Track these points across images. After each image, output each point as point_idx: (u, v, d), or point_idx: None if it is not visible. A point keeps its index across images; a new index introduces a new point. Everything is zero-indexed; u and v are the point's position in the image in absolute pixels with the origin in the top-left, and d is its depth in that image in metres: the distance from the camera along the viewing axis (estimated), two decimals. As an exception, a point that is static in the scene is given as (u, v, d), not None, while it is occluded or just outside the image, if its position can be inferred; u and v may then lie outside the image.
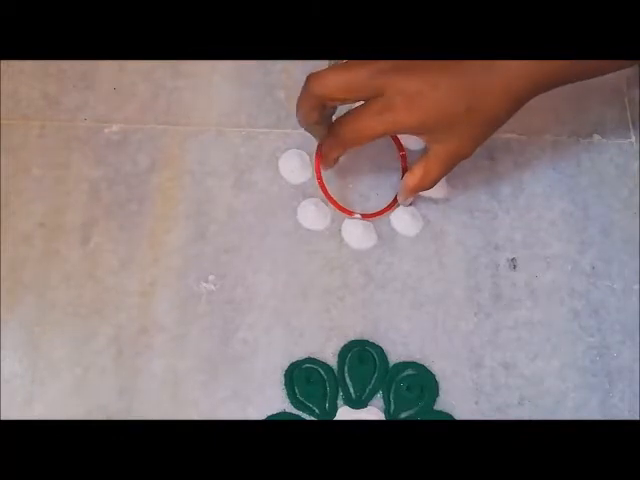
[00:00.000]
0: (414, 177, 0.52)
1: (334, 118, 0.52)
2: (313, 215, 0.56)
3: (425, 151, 0.51)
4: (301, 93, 0.50)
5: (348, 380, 0.52)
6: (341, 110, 0.51)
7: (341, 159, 0.56)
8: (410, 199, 0.55)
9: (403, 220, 0.56)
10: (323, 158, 0.54)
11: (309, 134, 0.53)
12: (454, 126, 0.48)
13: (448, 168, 0.52)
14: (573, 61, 0.47)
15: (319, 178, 0.55)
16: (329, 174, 0.57)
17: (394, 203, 0.56)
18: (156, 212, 0.56)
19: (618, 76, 0.61)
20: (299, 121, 0.52)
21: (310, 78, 0.49)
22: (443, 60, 0.47)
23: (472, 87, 0.47)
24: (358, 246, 0.56)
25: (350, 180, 0.57)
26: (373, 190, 0.57)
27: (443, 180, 0.55)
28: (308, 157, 0.58)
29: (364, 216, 0.56)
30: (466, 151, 0.50)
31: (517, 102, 0.48)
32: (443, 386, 0.52)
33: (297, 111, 0.51)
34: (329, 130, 0.51)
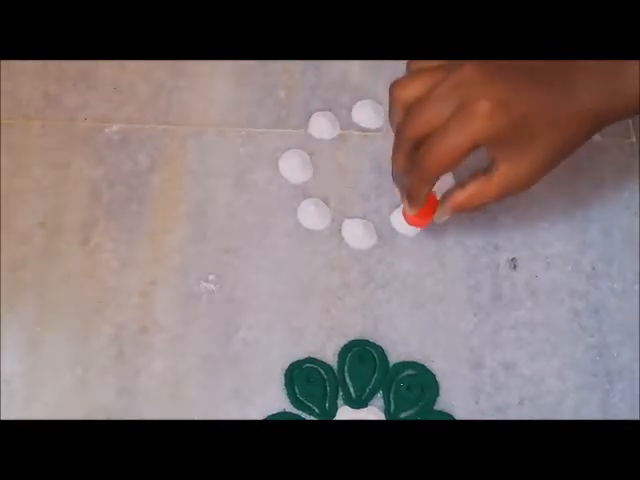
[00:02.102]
0: (466, 194, 0.48)
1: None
2: (313, 215, 0.56)
3: (487, 170, 0.47)
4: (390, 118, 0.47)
5: (348, 380, 0.52)
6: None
7: (341, 159, 0.57)
8: (446, 217, 0.51)
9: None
10: (412, 201, 0.49)
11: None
12: (532, 142, 0.45)
13: (505, 195, 0.47)
14: None
15: (419, 225, 0.53)
16: (329, 174, 0.57)
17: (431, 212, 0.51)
18: (156, 212, 0.56)
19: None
20: (395, 175, 0.48)
21: (393, 85, 0.46)
22: (529, 68, 0.45)
23: (556, 102, 0.45)
24: (358, 246, 0.56)
25: (350, 180, 0.57)
26: (373, 190, 0.57)
27: None
28: (308, 157, 0.58)
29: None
30: (532, 179, 0.47)
31: (594, 127, 0.47)
32: (443, 386, 0.52)
33: (394, 154, 0.47)
34: (411, 166, 0.47)
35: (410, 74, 0.47)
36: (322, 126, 0.59)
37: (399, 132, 0.47)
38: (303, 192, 0.57)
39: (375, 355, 0.52)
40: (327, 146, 0.59)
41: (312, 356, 0.52)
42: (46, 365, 0.52)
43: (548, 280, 0.55)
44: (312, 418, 0.51)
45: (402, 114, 0.47)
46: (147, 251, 0.55)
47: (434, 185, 0.48)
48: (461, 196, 0.48)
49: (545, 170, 0.47)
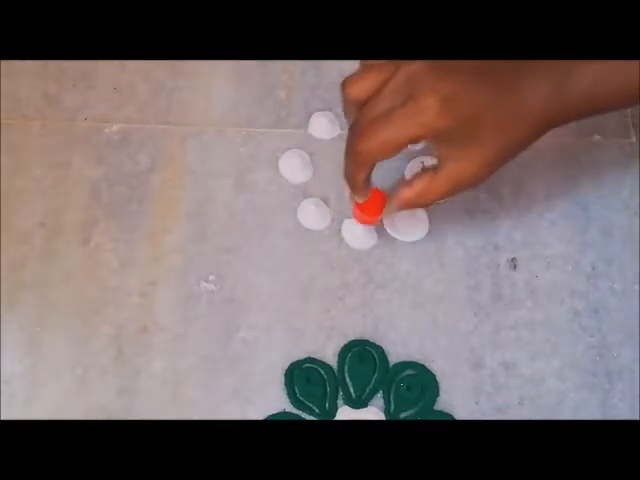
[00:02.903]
0: (412, 190, 0.48)
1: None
2: (313, 215, 0.56)
3: (434, 167, 0.48)
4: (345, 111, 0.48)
5: (348, 380, 0.52)
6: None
7: (341, 159, 0.56)
8: (395, 212, 0.51)
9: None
10: (351, 187, 0.49)
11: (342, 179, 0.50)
12: (477, 141, 0.46)
13: (452, 192, 0.48)
14: (592, 94, 0.46)
15: (369, 221, 0.53)
16: (329, 174, 0.57)
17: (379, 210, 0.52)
18: (156, 212, 0.56)
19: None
20: (347, 173, 0.48)
21: (344, 82, 0.47)
22: (477, 67, 0.45)
23: (504, 102, 0.45)
24: (358, 246, 0.56)
25: (350, 180, 0.57)
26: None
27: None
28: (308, 157, 0.58)
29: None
30: (478, 177, 0.47)
31: (539, 130, 0.47)
32: (443, 386, 0.52)
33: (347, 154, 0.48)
34: (347, 150, 0.47)
35: (360, 71, 0.47)
36: (322, 126, 0.59)
37: (351, 130, 0.47)
38: (303, 192, 0.57)
39: (375, 355, 0.52)
40: (327, 146, 0.59)
41: (312, 356, 0.52)
42: (46, 365, 0.52)
43: (548, 280, 0.55)
44: (312, 418, 0.51)
45: (354, 112, 0.47)
46: (147, 251, 0.55)
47: (369, 172, 0.48)
48: (407, 193, 0.48)
49: (491, 169, 0.47)
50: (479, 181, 0.48)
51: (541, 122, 0.47)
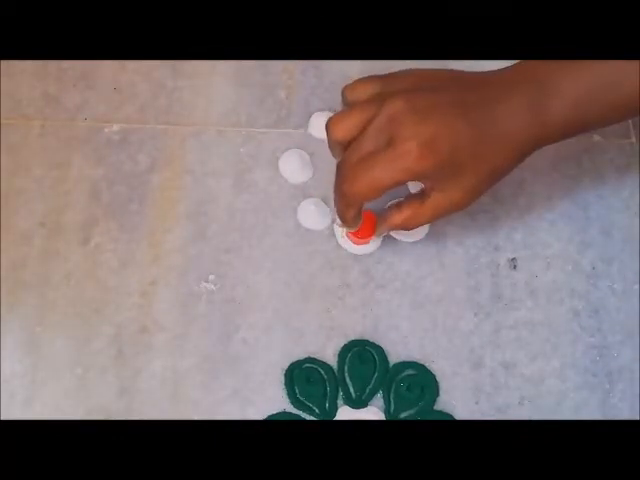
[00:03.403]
0: (401, 216, 0.50)
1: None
2: (313, 215, 0.56)
3: (421, 194, 0.50)
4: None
5: (348, 380, 0.52)
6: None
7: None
8: (385, 233, 0.54)
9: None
10: (343, 222, 0.51)
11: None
12: (460, 174, 0.47)
13: (438, 217, 0.50)
14: (574, 117, 0.47)
15: (362, 242, 0.55)
16: (329, 174, 0.57)
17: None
18: (156, 212, 0.56)
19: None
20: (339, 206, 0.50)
21: (328, 122, 0.49)
22: (454, 104, 0.46)
23: (481, 137, 0.47)
24: (355, 251, 0.56)
25: (350, 180, 0.57)
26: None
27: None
28: (308, 157, 0.58)
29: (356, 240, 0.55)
30: (464, 203, 0.49)
31: (521, 155, 0.48)
32: (443, 386, 0.52)
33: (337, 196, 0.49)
34: (335, 190, 0.49)
35: (343, 111, 0.49)
36: (322, 126, 0.59)
37: (337, 170, 0.49)
38: (303, 192, 0.57)
39: (375, 355, 0.52)
40: (327, 146, 0.58)
41: (312, 356, 0.52)
42: (46, 365, 0.52)
43: (548, 280, 0.55)
44: (312, 418, 0.51)
45: (340, 151, 0.49)
46: (147, 251, 0.55)
47: (359, 210, 0.50)
48: (397, 218, 0.51)
49: (475, 196, 0.49)
50: (464, 207, 0.50)
51: (522, 148, 0.48)
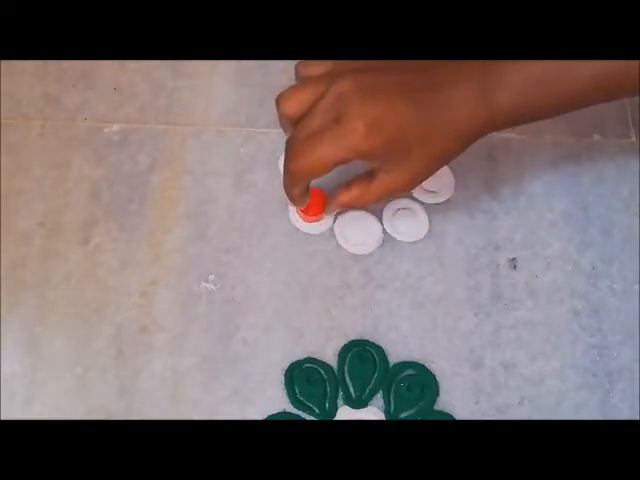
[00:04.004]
0: (349, 195, 0.52)
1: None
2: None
3: (369, 175, 0.51)
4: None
5: (348, 380, 0.52)
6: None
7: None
8: (334, 212, 0.55)
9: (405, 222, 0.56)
10: (290, 199, 0.52)
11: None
12: (406, 156, 0.48)
13: (385, 197, 0.52)
14: (522, 104, 0.48)
15: (312, 220, 0.56)
16: (329, 174, 0.57)
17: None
18: (156, 212, 0.56)
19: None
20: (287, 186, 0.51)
21: (278, 98, 0.49)
22: (402, 86, 0.47)
23: (427, 120, 0.47)
24: (355, 251, 0.56)
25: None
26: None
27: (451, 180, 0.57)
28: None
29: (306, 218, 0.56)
30: (409, 185, 0.51)
31: (468, 140, 0.49)
32: (443, 386, 0.52)
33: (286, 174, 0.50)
34: (283, 165, 0.50)
35: (294, 87, 0.50)
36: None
37: (286, 146, 0.49)
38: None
39: (375, 355, 0.52)
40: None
41: (312, 356, 0.52)
42: (46, 365, 0.52)
43: (548, 280, 0.55)
44: (312, 418, 0.51)
45: (289, 127, 0.50)
46: (147, 251, 0.55)
47: (305, 187, 0.51)
48: (345, 197, 0.52)
49: (421, 178, 0.51)
50: (410, 188, 0.52)
51: (469, 133, 0.49)
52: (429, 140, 0.48)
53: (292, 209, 0.56)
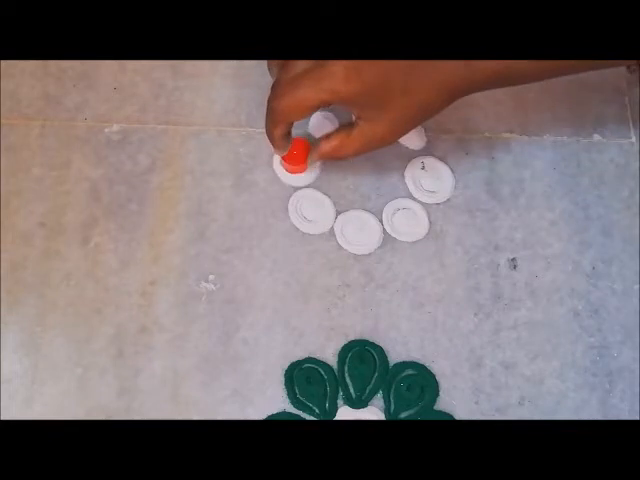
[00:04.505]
0: (329, 145, 0.53)
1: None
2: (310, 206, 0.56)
3: (350, 124, 0.51)
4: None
5: (348, 380, 0.52)
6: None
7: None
8: (317, 161, 0.56)
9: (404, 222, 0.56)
10: (271, 142, 0.53)
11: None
12: (387, 105, 0.49)
13: (365, 149, 0.52)
14: (510, 63, 0.47)
15: (295, 170, 0.56)
16: (330, 175, 0.57)
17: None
18: (156, 212, 0.56)
19: (618, 76, 0.61)
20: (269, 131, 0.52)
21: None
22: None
23: (410, 71, 0.48)
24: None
25: (351, 180, 0.57)
26: (374, 190, 0.57)
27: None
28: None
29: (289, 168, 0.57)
30: (390, 137, 0.51)
31: (450, 96, 0.49)
32: (443, 386, 0.52)
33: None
34: (267, 107, 0.51)
35: None
36: (322, 126, 0.59)
37: (271, 89, 0.51)
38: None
39: (375, 355, 0.52)
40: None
41: (312, 356, 0.52)
42: (46, 365, 0.52)
43: (548, 280, 0.55)
44: (312, 418, 0.51)
45: (276, 72, 0.51)
46: (147, 251, 0.55)
47: (285, 129, 0.52)
48: (326, 146, 0.53)
49: (401, 131, 0.51)
50: (388, 142, 0.52)
51: (452, 88, 0.49)
52: (412, 90, 0.48)
53: (276, 161, 0.57)
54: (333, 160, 0.55)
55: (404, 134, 0.52)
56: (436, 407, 0.51)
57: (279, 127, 0.52)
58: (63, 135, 0.58)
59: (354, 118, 0.51)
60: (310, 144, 0.55)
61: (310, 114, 0.50)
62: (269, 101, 0.51)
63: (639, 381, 0.52)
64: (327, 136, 0.53)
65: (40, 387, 0.51)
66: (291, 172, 0.57)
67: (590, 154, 0.59)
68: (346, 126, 0.52)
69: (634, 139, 0.60)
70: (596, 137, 0.60)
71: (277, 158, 0.57)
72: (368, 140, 0.51)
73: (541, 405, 0.52)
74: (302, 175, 0.57)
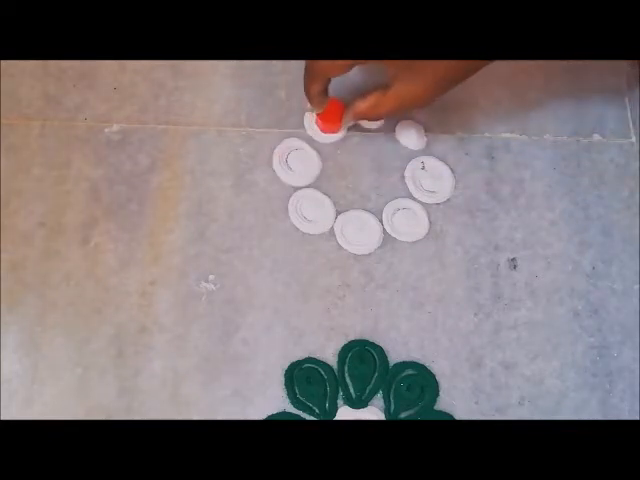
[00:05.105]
0: (365, 104, 0.54)
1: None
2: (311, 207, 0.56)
3: (385, 85, 0.52)
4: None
5: (348, 380, 0.52)
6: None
7: (341, 159, 0.57)
8: (350, 122, 0.57)
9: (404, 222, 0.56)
10: (308, 98, 0.55)
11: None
12: (421, 66, 0.49)
13: (399, 109, 0.53)
14: None
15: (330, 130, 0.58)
16: (330, 175, 0.57)
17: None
18: (156, 212, 0.56)
19: (618, 76, 0.61)
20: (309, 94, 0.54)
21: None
22: None
23: None
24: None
25: (350, 180, 0.57)
26: (373, 190, 0.57)
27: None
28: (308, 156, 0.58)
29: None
30: (424, 97, 0.51)
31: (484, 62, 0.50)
32: (443, 386, 0.52)
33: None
34: (305, 65, 0.52)
35: None
36: (315, 125, 0.59)
37: None
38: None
39: (375, 355, 0.52)
40: (327, 146, 0.59)
41: (312, 356, 0.52)
42: (46, 365, 0.52)
43: (548, 280, 0.55)
44: (312, 418, 0.51)
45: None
46: (147, 251, 0.55)
47: (322, 86, 0.53)
48: (362, 105, 0.54)
49: (435, 92, 0.52)
50: (423, 102, 0.52)
51: None
52: None
53: (310, 119, 0.58)
54: (367, 120, 0.56)
55: (435, 97, 0.52)
56: (436, 407, 0.51)
57: (317, 83, 0.53)
58: (63, 135, 0.58)
59: (389, 78, 0.52)
60: (345, 105, 0.56)
61: (347, 70, 0.51)
62: (307, 61, 0.52)
63: (639, 381, 0.52)
64: (362, 95, 0.54)
65: (40, 387, 0.51)
66: (325, 131, 0.58)
67: (590, 154, 0.59)
68: (381, 86, 0.53)
69: (634, 139, 0.60)
70: (596, 137, 0.60)
71: (309, 117, 0.58)
72: (402, 100, 0.52)
73: (541, 405, 0.52)
74: (335, 135, 0.58)
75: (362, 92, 0.54)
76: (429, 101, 0.52)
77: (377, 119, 0.57)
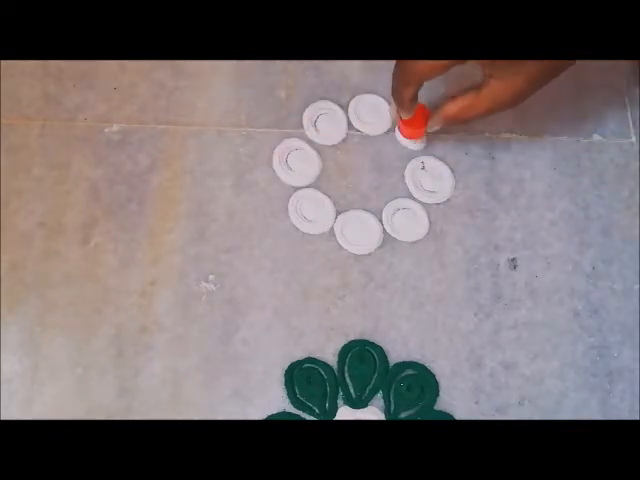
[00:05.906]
0: (457, 106, 0.51)
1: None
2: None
3: (478, 86, 0.50)
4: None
5: (348, 380, 0.52)
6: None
7: (341, 159, 0.57)
8: (438, 127, 0.55)
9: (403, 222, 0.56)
10: (397, 103, 0.53)
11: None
12: (521, 64, 0.47)
13: (496, 109, 0.50)
14: None
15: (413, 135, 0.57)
16: (330, 175, 0.57)
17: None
18: (156, 212, 0.56)
19: (618, 76, 0.61)
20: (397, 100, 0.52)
21: None
22: None
23: None
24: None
25: (350, 180, 0.57)
26: (373, 190, 0.57)
27: None
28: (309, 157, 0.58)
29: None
30: (517, 96, 0.49)
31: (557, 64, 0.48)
32: (443, 386, 0.52)
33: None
34: (395, 69, 0.50)
35: None
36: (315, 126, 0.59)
37: None
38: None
39: (375, 355, 0.52)
40: (327, 146, 0.59)
41: (312, 356, 0.52)
42: (46, 365, 0.52)
43: (548, 280, 0.55)
44: (312, 418, 0.51)
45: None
46: (147, 251, 0.55)
47: (416, 90, 0.51)
48: (453, 108, 0.52)
49: (530, 90, 0.49)
50: (515, 101, 0.50)
51: None
52: None
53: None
54: (457, 123, 0.54)
55: (530, 95, 0.50)
56: (436, 407, 0.51)
57: (410, 87, 0.50)
58: (63, 135, 0.58)
59: (483, 77, 0.50)
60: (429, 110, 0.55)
61: (444, 72, 0.48)
62: (399, 63, 0.50)
63: (639, 381, 0.52)
64: (452, 98, 0.52)
65: (40, 387, 0.51)
66: (409, 137, 0.57)
67: (590, 154, 0.59)
68: (473, 87, 0.51)
69: (634, 139, 0.60)
70: (596, 137, 0.60)
71: (392, 112, 0.56)
72: (497, 100, 0.50)
73: (541, 405, 0.52)
74: (416, 142, 0.57)
75: (448, 96, 0.52)
76: (521, 100, 0.50)
77: (466, 122, 0.53)
